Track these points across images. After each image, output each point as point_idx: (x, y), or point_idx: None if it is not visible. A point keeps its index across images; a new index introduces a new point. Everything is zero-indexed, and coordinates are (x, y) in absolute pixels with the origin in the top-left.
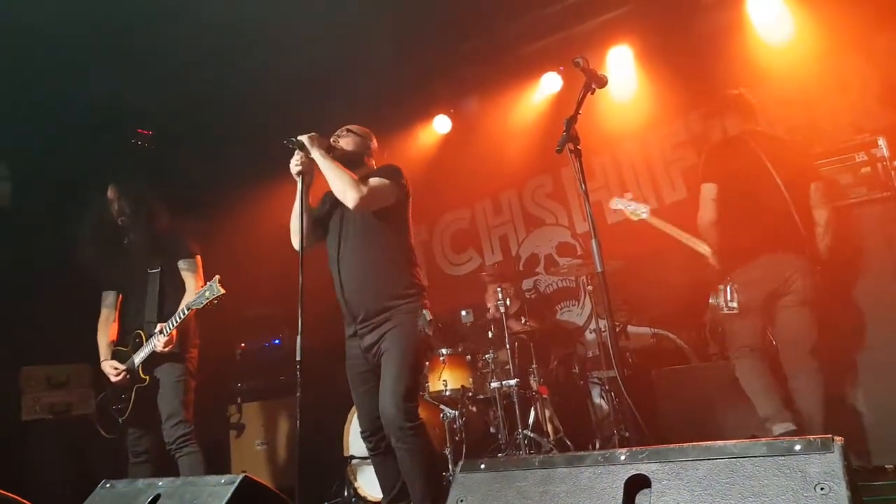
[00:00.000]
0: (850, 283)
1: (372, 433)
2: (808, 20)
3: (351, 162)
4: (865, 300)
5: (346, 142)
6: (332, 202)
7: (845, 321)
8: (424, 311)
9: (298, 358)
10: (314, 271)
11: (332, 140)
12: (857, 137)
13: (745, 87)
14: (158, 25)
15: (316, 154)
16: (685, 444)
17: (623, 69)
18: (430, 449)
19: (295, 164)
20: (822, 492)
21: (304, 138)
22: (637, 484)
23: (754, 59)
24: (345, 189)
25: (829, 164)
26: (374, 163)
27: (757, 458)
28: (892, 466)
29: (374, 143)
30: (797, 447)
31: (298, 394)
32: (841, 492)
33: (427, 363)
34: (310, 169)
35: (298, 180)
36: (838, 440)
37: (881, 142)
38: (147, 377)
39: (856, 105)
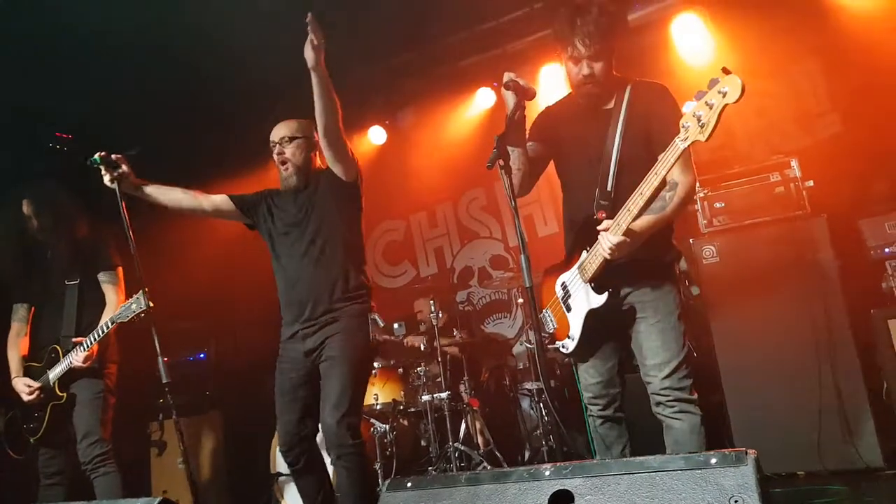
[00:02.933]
0: (762, 298)
1: (291, 447)
2: (728, 45)
3: (302, 173)
4: (777, 315)
5: (289, 149)
6: (276, 198)
7: (758, 336)
8: (375, 316)
9: (165, 381)
10: (242, 281)
11: (277, 152)
12: (771, 158)
13: None
14: (80, 22)
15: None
16: (607, 460)
17: (555, 87)
18: (369, 469)
19: (109, 183)
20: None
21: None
22: (561, 499)
23: (678, 80)
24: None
25: (745, 184)
26: (315, 157)
27: (675, 472)
28: (803, 473)
29: (313, 135)
30: (713, 461)
31: (174, 417)
32: (754, 503)
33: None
34: (123, 179)
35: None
36: (752, 453)
37: (794, 163)
38: (64, 394)
39: (771, 128)
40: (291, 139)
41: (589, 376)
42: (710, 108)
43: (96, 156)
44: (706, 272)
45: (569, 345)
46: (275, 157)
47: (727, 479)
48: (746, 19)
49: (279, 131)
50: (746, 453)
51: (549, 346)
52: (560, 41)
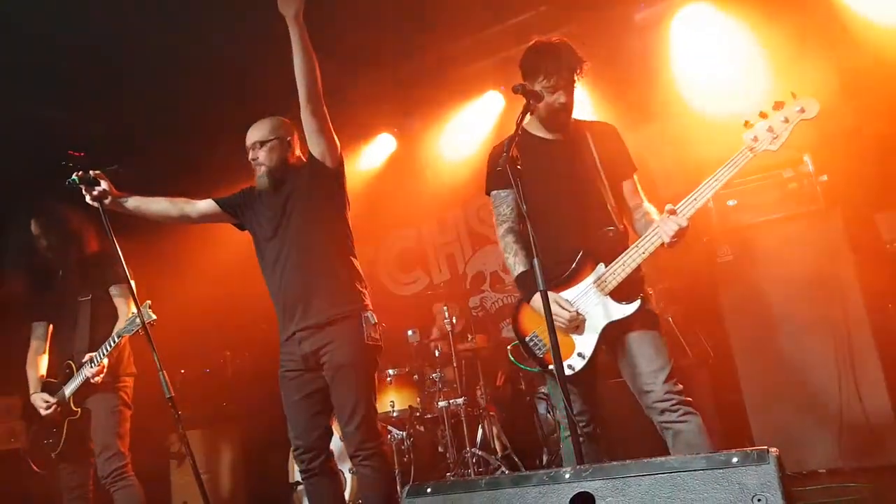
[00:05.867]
0: (778, 295)
1: (306, 450)
2: (734, 40)
3: (274, 174)
4: (794, 311)
5: (264, 153)
6: (258, 196)
7: (775, 333)
8: (369, 314)
9: (168, 396)
10: (257, 292)
11: (251, 157)
12: (784, 154)
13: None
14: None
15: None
16: (627, 461)
17: None
18: (392, 471)
19: (91, 202)
20: (759, 503)
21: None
22: (582, 502)
23: (684, 77)
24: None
25: (758, 181)
26: (299, 153)
27: (696, 472)
28: (825, 471)
29: (295, 139)
30: (734, 460)
31: (181, 430)
32: (777, 502)
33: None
34: (105, 196)
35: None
36: (773, 451)
37: (807, 158)
38: (78, 409)
39: None
40: (263, 143)
41: (576, 392)
42: (787, 121)
43: (74, 176)
44: (720, 270)
45: (577, 363)
46: (251, 160)
47: (749, 478)
48: (752, 13)
49: (252, 135)
50: (768, 451)
51: (540, 371)
52: (537, 72)
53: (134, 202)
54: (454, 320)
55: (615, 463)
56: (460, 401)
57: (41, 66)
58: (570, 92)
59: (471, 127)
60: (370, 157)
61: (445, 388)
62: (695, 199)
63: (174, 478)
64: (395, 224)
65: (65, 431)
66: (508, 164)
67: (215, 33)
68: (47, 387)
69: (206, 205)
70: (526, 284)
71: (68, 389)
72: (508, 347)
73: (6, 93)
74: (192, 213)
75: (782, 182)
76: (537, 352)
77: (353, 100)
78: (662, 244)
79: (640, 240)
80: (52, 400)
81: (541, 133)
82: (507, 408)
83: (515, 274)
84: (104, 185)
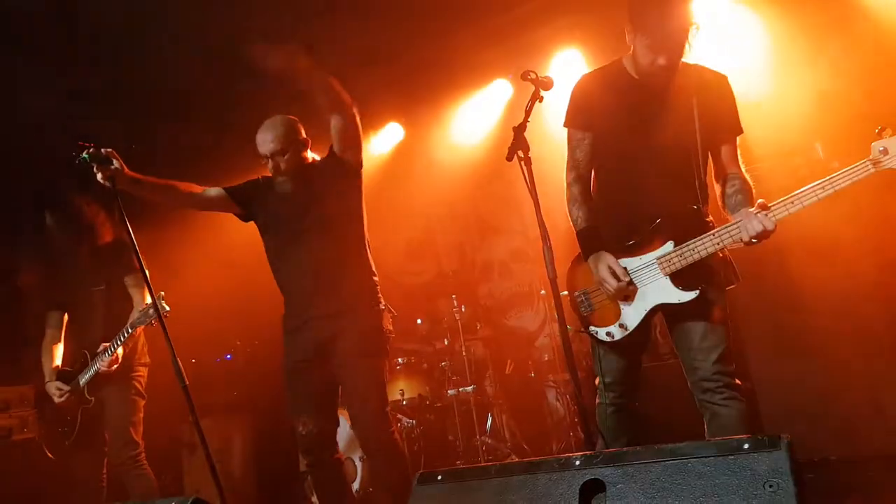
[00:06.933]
0: (788, 280)
1: (312, 442)
2: (751, 29)
3: (300, 179)
4: (805, 297)
5: (285, 163)
6: (273, 189)
7: (786, 319)
8: (383, 305)
9: (184, 384)
10: (267, 282)
11: (272, 165)
12: (794, 141)
13: None
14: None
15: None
16: (638, 447)
17: (572, 73)
18: (404, 458)
19: (102, 181)
20: (771, 489)
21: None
22: (592, 488)
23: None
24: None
25: (768, 168)
26: (307, 153)
27: (708, 458)
28: (836, 458)
29: (305, 136)
30: (746, 446)
31: (193, 418)
32: (789, 488)
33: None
34: (118, 177)
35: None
36: (785, 437)
37: (817, 146)
38: (92, 398)
39: (796, 111)
40: (281, 153)
41: (615, 360)
42: None
43: (85, 153)
44: (731, 256)
45: (616, 333)
46: (269, 167)
47: (760, 465)
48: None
49: (267, 145)
50: (780, 437)
51: (580, 331)
52: (641, 26)
53: (147, 184)
54: (463, 309)
55: (626, 449)
56: (469, 389)
57: (52, 60)
58: (675, 53)
59: (479, 115)
60: (378, 146)
61: (455, 376)
62: (791, 204)
63: (186, 467)
64: (404, 213)
65: (79, 420)
66: (518, 158)
67: (225, 20)
68: (62, 375)
69: (215, 192)
70: (586, 241)
71: (83, 379)
72: None
73: (17, 88)
74: (201, 199)
75: (793, 169)
76: (582, 310)
77: (360, 89)
78: (740, 240)
79: (718, 229)
80: (66, 388)
81: (637, 74)
82: (517, 396)
83: (577, 228)
84: (117, 163)
